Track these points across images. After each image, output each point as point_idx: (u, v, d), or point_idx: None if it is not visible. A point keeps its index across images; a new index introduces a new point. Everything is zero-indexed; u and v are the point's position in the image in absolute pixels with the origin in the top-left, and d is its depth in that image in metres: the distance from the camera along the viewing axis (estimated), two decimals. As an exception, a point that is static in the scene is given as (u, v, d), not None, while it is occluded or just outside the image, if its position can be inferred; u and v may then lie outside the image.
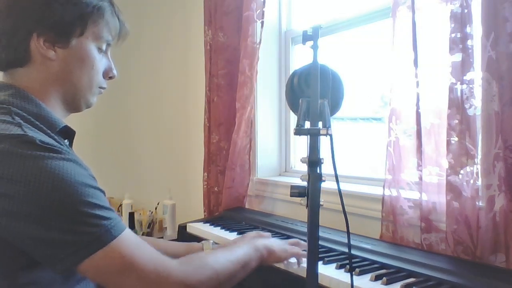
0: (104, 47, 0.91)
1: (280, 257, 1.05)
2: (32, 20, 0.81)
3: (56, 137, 0.80)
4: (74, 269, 0.72)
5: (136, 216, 2.30)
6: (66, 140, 0.87)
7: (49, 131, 0.79)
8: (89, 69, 0.88)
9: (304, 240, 1.09)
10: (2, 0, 0.82)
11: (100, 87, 0.93)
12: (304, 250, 1.10)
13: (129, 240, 0.75)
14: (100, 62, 0.90)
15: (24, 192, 0.68)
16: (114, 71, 0.95)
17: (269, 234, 1.21)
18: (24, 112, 0.78)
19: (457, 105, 1.11)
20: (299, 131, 0.77)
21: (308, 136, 0.76)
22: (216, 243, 1.19)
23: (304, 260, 1.09)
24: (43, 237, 0.69)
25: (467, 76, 1.10)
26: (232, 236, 1.41)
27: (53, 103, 0.86)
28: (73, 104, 0.90)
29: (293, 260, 1.10)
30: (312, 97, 0.79)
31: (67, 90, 0.88)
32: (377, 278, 0.98)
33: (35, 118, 0.79)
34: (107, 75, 0.93)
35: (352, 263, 1.08)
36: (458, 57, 1.10)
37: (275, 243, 1.06)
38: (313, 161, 0.75)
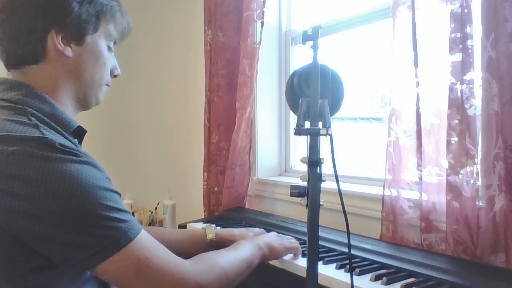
0: (112, 45, 0.93)
1: (281, 253, 1.10)
2: (51, 18, 0.82)
3: (70, 138, 0.82)
4: (87, 272, 0.74)
5: (136, 216, 2.30)
6: (76, 139, 0.87)
7: (64, 132, 0.80)
8: (101, 66, 0.90)
9: (305, 240, 1.09)
10: None
11: (107, 84, 0.95)
12: (304, 247, 1.12)
13: (145, 242, 0.76)
14: (109, 60, 0.93)
15: (44, 195, 0.69)
16: (119, 69, 0.97)
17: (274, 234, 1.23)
18: (39, 113, 0.79)
19: (457, 105, 1.11)
20: (299, 131, 0.77)
21: (308, 136, 0.76)
22: (217, 227, 1.22)
23: (301, 257, 1.14)
24: (60, 240, 0.70)
25: (467, 76, 1.09)
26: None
27: (65, 101, 0.87)
28: (84, 101, 0.92)
29: (288, 257, 1.14)
30: (312, 97, 0.79)
31: (80, 87, 0.89)
32: (377, 278, 0.98)
33: (50, 119, 0.80)
34: (113, 73, 0.96)
35: (352, 263, 1.08)
36: (458, 57, 1.10)
37: (275, 240, 1.11)
38: (313, 161, 0.75)
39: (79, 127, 0.87)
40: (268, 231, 1.42)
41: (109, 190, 0.75)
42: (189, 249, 1.12)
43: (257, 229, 1.29)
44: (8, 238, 0.71)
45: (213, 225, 1.22)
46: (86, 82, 0.89)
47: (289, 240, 1.16)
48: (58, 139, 0.75)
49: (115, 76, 0.96)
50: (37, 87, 0.83)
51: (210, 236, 1.17)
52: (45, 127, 0.77)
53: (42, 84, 0.84)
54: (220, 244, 1.18)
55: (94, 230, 0.71)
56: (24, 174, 0.69)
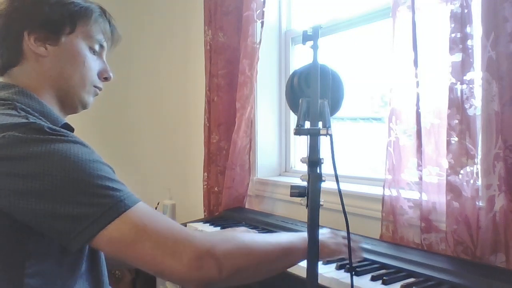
0: (97, 47, 0.94)
1: (334, 253, 0.93)
2: (23, 20, 0.86)
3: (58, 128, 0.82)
4: (88, 246, 0.73)
5: (136, 216, 2.29)
6: None
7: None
8: (80, 66, 0.91)
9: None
10: None
11: (96, 87, 0.95)
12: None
13: (143, 211, 0.73)
14: (93, 62, 0.93)
15: (36, 171, 0.69)
16: (110, 73, 0.97)
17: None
18: (28, 108, 0.81)
19: (457, 105, 1.11)
20: (299, 131, 0.77)
21: (308, 136, 0.76)
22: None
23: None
24: (57, 213, 0.70)
25: (467, 76, 1.10)
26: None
27: (51, 102, 0.89)
28: (68, 102, 0.92)
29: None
30: (312, 97, 0.79)
31: (60, 87, 0.90)
32: (377, 278, 0.99)
33: (39, 114, 0.82)
34: (102, 75, 0.96)
35: (352, 263, 1.08)
36: (458, 57, 1.10)
37: (328, 238, 0.95)
38: (313, 161, 0.75)
39: (66, 124, 0.88)
40: (268, 231, 1.43)
41: (100, 163, 0.75)
42: None
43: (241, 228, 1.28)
44: (6, 222, 0.72)
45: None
46: (65, 82, 0.90)
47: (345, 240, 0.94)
48: (47, 124, 0.76)
49: (105, 78, 0.97)
50: (25, 87, 0.86)
51: None
52: (34, 118, 0.78)
53: (27, 84, 0.86)
54: None
55: (90, 199, 0.70)
56: (17, 154, 0.70)
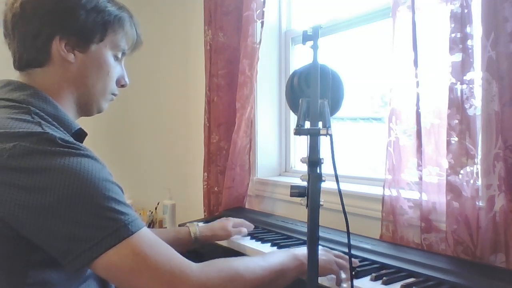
0: (119, 55, 0.94)
1: (324, 271, 0.96)
2: (57, 24, 0.84)
3: (71, 139, 0.82)
4: (87, 268, 0.72)
5: (136, 216, 2.30)
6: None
7: (65, 132, 0.81)
8: (104, 75, 0.91)
9: (305, 241, 1.09)
10: (29, 3, 0.84)
11: (113, 94, 0.96)
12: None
13: (145, 239, 0.73)
14: (115, 70, 0.93)
15: (44, 186, 0.69)
16: (126, 79, 0.98)
17: (251, 225, 1.32)
18: (42, 112, 0.80)
19: (457, 105, 1.11)
20: (299, 131, 0.77)
21: (308, 136, 0.76)
22: (200, 223, 1.28)
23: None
24: (60, 231, 0.69)
25: (467, 76, 1.09)
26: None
27: (67, 105, 0.89)
28: (85, 108, 0.93)
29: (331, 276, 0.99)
30: (312, 97, 0.79)
31: (82, 94, 0.90)
32: (377, 278, 0.98)
33: (53, 119, 0.81)
34: (119, 83, 0.97)
35: (352, 263, 1.08)
36: (458, 57, 1.10)
37: (320, 255, 0.93)
38: (313, 161, 0.75)
39: (80, 129, 0.88)
40: (268, 231, 1.43)
41: (110, 182, 0.75)
42: (174, 247, 1.11)
43: (236, 219, 1.35)
44: (8, 233, 0.71)
45: (196, 223, 1.28)
46: (88, 90, 0.90)
47: (339, 261, 1.01)
48: (59, 135, 0.75)
49: (122, 86, 0.97)
50: (42, 89, 0.85)
51: (194, 234, 1.21)
52: (48, 125, 0.78)
53: (46, 87, 0.86)
54: (203, 241, 1.23)
55: (93, 220, 0.70)
56: (25, 166, 0.69)
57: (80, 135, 0.89)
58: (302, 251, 0.95)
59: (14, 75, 0.90)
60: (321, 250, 1.01)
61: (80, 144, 0.77)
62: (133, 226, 0.72)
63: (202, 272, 0.75)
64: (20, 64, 0.87)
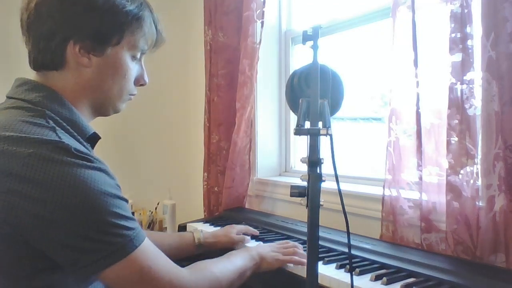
0: (138, 55, 0.92)
1: (272, 266, 1.11)
2: (71, 27, 0.82)
3: (84, 143, 0.83)
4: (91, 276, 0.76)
5: (136, 216, 2.30)
6: (89, 144, 0.88)
7: (79, 137, 0.82)
8: (121, 78, 0.89)
9: (305, 241, 1.09)
10: (44, 5, 0.82)
11: (131, 94, 0.94)
12: (304, 247, 1.13)
13: (148, 251, 0.79)
14: (133, 70, 0.91)
15: (56, 199, 0.70)
16: (146, 78, 0.96)
17: (256, 231, 1.36)
18: (57, 116, 0.80)
19: (457, 105, 1.11)
20: (299, 131, 0.77)
21: (308, 136, 0.76)
22: (203, 231, 1.31)
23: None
24: (68, 244, 0.72)
25: (467, 76, 1.09)
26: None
27: (83, 108, 0.88)
28: (101, 110, 0.92)
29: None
30: (312, 97, 0.79)
31: (97, 97, 0.89)
32: (377, 278, 0.98)
33: (67, 123, 0.81)
34: (138, 82, 0.95)
35: (352, 263, 1.08)
36: (458, 57, 1.10)
37: (268, 252, 1.12)
38: (313, 161, 0.75)
39: (94, 133, 0.88)
40: (268, 231, 1.43)
41: (118, 198, 0.76)
42: (178, 252, 1.20)
43: (240, 226, 1.36)
44: (16, 238, 0.72)
45: (200, 229, 1.33)
46: (104, 93, 0.89)
47: (287, 250, 1.16)
48: (74, 144, 0.76)
49: (141, 85, 0.96)
50: (58, 90, 0.84)
51: (198, 240, 1.25)
52: (62, 131, 0.77)
53: (62, 89, 0.85)
54: (206, 247, 1.26)
55: (102, 236, 0.72)
56: (38, 177, 0.70)
57: (94, 138, 0.89)
58: (257, 250, 1.11)
59: (31, 73, 0.88)
60: (270, 246, 1.16)
61: (94, 156, 0.78)
62: (137, 240, 0.77)
63: (192, 280, 0.85)
64: (36, 65, 0.85)
